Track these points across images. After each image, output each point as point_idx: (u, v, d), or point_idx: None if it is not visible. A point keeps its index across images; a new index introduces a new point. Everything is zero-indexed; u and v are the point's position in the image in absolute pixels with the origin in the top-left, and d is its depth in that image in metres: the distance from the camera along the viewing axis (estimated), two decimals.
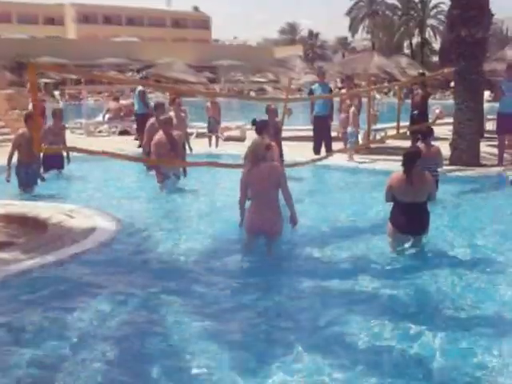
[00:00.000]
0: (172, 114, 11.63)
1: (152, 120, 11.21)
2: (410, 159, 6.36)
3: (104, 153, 9.00)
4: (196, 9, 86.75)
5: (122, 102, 21.78)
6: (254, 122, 8.39)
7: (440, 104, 20.02)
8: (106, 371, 3.99)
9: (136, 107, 16.48)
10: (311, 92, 14.34)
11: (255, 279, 5.74)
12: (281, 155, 10.08)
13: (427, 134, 8.56)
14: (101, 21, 73.58)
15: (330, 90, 15.30)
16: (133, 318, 4.85)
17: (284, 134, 11.05)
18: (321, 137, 13.63)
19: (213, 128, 15.83)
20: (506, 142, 12.07)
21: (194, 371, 3.98)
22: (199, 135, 17.06)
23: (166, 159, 9.73)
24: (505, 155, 12.02)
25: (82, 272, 5.90)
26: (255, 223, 6.34)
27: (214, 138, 15.89)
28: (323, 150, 13.26)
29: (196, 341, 4.40)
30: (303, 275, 5.84)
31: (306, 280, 5.70)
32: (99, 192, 9.97)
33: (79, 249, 6.48)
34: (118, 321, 4.78)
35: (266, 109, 10.23)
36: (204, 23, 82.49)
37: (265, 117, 9.77)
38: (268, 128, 8.13)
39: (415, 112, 13.73)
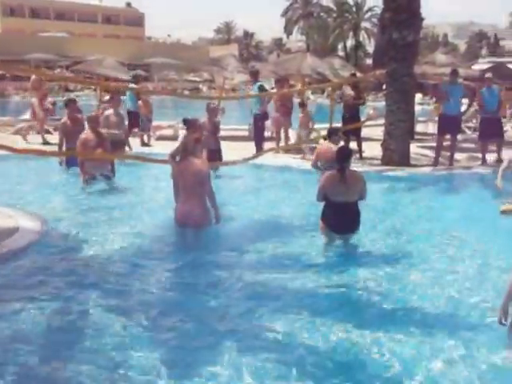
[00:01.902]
0: (110, 112, 11.31)
1: (64, 119, 11.02)
2: (343, 158, 6.39)
3: (28, 150, 8.65)
4: (129, 5, 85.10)
5: (49, 99, 20.95)
6: (184, 122, 8.59)
7: (372, 106, 20.41)
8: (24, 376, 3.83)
9: (129, 104, 15.50)
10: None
11: (184, 275, 5.72)
12: (219, 153, 10.60)
13: (332, 134, 8.67)
14: (28, 14, 70.93)
15: (262, 89, 15.37)
16: (54, 321, 4.66)
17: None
18: (257, 136, 13.86)
19: (144, 126, 15.68)
20: (444, 144, 12.28)
21: (122, 373, 3.83)
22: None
23: (95, 154, 9.59)
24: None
25: (3, 274, 5.66)
26: (182, 214, 6.48)
27: (145, 137, 15.64)
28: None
29: (125, 342, 4.24)
30: (228, 271, 5.79)
31: (232, 276, 5.66)
32: (22, 192, 9.52)
33: (1, 250, 6.20)
34: (40, 324, 4.59)
35: (206, 107, 10.56)
36: (137, 20, 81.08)
37: (198, 115, 9.86)
38: (197, 125, 8.39)
39: (346, 114, 13.87)
